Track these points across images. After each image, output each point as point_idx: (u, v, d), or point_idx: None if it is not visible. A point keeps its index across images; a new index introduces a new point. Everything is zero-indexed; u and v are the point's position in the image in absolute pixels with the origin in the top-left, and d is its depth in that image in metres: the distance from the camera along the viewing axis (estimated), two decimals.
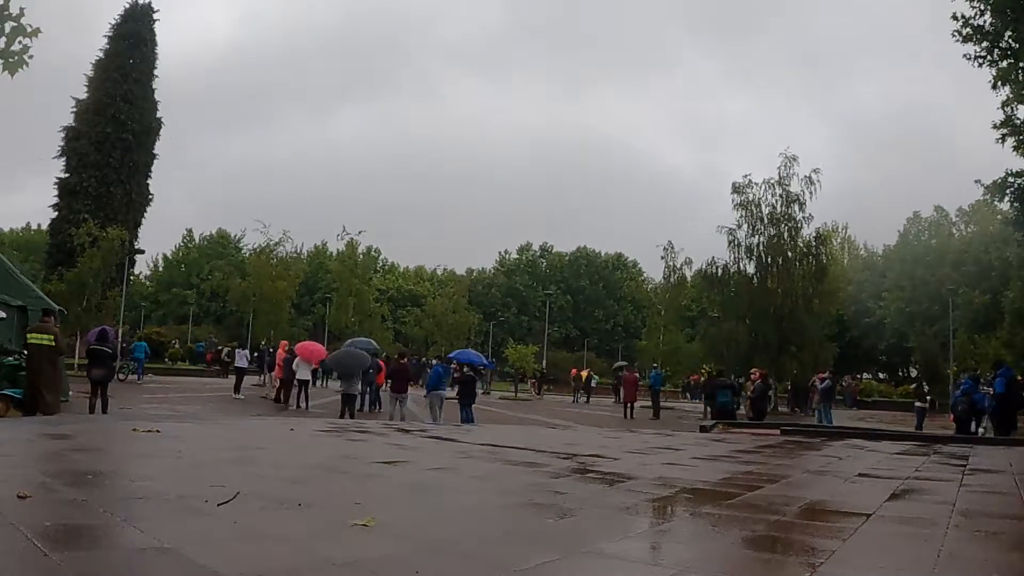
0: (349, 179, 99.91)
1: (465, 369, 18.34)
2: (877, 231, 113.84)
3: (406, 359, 17.25)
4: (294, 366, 19.74)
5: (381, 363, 18.81)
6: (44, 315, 10.94)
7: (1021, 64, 13.62)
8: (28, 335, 10.44)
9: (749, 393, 18.29)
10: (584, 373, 38.76)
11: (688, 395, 39.50)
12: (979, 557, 2.80)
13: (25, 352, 10.77)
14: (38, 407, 9.88)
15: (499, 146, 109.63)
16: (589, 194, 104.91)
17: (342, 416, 14.47)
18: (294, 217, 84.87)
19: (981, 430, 14.94)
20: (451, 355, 25.15)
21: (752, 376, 18.83)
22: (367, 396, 19.64)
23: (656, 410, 24.43)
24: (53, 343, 10.42)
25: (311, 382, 20.07)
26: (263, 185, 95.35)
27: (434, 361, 22.75)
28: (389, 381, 16.94)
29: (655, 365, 29.58)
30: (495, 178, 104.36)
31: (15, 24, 6.12)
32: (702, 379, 39.01)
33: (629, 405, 23.74)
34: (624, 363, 30.31)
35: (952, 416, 15.92)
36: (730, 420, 15.26)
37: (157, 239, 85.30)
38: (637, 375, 27.39)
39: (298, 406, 19.00)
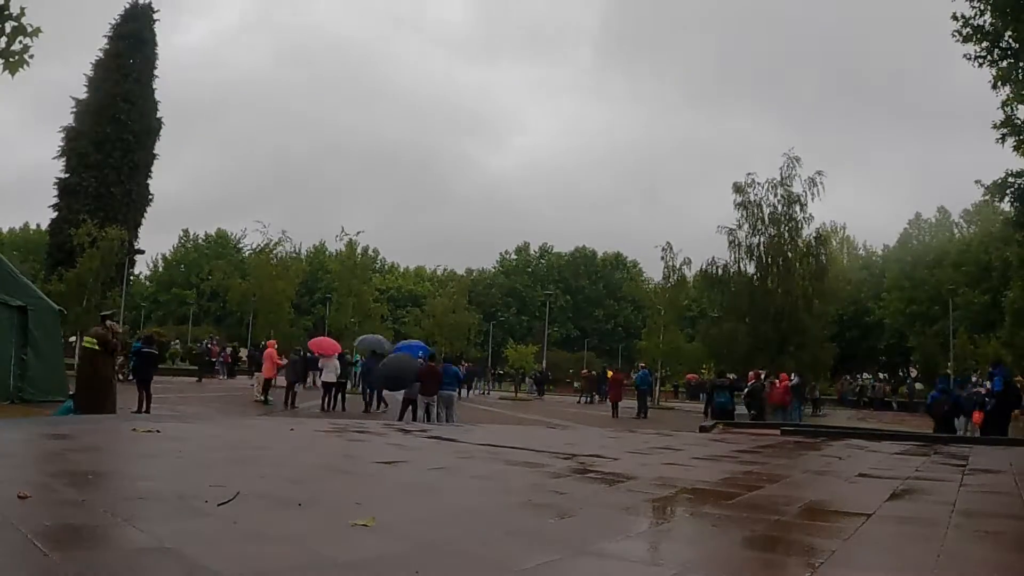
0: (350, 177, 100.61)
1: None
2: (877, 231, 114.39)
3: (435, 361, 16.56)
4: (319, 366, 19.35)
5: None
6: (101, 319, 10.95)
7: (1021, 64, 13.60)
8: (84, 339, 10.46)
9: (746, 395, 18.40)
10: (585, 372, 38.83)
11: (686, 395, 39.57)
12: (979, 557, 2.80)
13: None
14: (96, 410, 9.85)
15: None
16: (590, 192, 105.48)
17: (408, 419, 14.33)
18: (292, 216, 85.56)
19: (965, 430, 15.02)
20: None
21: (749, 377, 18.96)
22: (372, 396, 19.40)
23: (642, 410, 24.55)
24: (96, 346, 10.48)
25: (335, 383, 19.37)
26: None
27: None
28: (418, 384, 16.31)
29: (642, 365, 29.63)
30: (497, 175, 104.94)
31: (15, 24, 6.12)
32: (701, 380, 39.12)
33: (615, 404, 24.14)
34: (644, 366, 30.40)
35: (930, 415, 16.05)
36: (729, 420, 15.30)
37: (157, 239, 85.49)
38: (622, 374, 27.60)
39: (332, 408, 18.44)
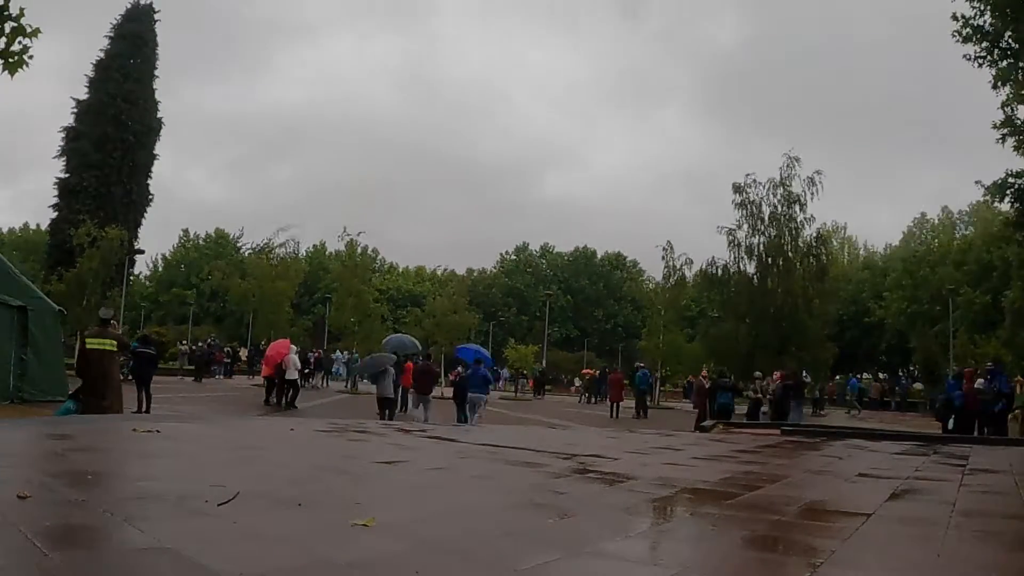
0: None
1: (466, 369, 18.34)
2: (880, 230, 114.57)
3: (432, 360, 17.10)
4: (283, 364, 19.78)
5: (409, 365, 18.72)
6: (102, 322, 10.91)
7: (1021, 64, 13.61)
8: (88, 340, 10.39)
9: (769, 395, 18.38)
10: (590, 373, 38.80)
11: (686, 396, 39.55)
12: (979, 557, 2.80)
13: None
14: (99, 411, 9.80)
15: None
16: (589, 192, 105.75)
17: (382, 418, 14.56)
18: (292, 216, 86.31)
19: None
20: (460, 350, 24.52)
21: (775, 377, 18.94)
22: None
23: (641, 410, 24.56)
24: (115, 347, 10.45)
25: (298, 381, 20.27)
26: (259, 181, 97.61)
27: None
28: (414, 383, 16.96)
29: (641, 365, 29.63)
30: (497, 175, 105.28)
31: (15, 24, 6.13)
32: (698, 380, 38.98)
33: (615, 405, 24.13)
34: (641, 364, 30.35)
35: (936, 416, 16.11)
36: (728, 420, 15.38)
37: (157, 239, 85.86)
38: (622, 375, 27.58)
39: (278, 402, 19.04)
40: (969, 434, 13.80)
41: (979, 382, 15.72)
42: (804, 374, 22.88)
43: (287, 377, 19.62)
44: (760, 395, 18.84)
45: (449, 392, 19.80)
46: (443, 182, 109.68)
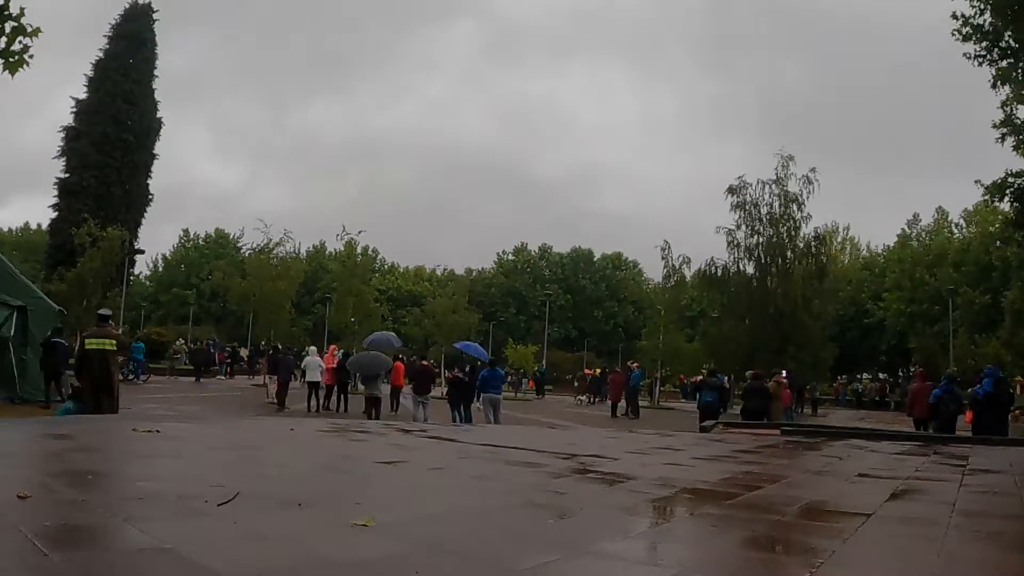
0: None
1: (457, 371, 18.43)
2: (883, 232, 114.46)
3: (428, 361, 17.30)
4: (303, 366, 19.79)
5: (399, 365, 18.71)
6: (101, 320, 10.91)
7: (1021, 64, 13.61)
8: (87, 340, 10.36)
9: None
10: (591, 372, 38.79)
11: (684, 396, 39.63)
12: (979, 557, 2.80)
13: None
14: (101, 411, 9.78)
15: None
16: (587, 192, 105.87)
17: (369, 418, 14.57)
18: (291, 216, 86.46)
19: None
20: (458, 345, 24.61)
21: (777, 378, 18.92)
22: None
23: (633, 409, 24.58)
24: (115, 347, 10.41)
25: (320, 384, 20.20)
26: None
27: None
28: (411, 383, 17.18)
29: (636, 365, 29.64)
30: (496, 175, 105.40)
31: (15, 24, 6.13)
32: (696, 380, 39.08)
33: (615, 405, 24.13)
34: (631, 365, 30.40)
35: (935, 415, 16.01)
36: (713, 419, 15.44)
37: (157, 239, 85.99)
38: (622, 374, 27.58)
39: (315, 409, 18.97)
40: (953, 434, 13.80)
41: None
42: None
43: (308, 380, 19.55)
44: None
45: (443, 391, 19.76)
46: (469, 188, 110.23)
